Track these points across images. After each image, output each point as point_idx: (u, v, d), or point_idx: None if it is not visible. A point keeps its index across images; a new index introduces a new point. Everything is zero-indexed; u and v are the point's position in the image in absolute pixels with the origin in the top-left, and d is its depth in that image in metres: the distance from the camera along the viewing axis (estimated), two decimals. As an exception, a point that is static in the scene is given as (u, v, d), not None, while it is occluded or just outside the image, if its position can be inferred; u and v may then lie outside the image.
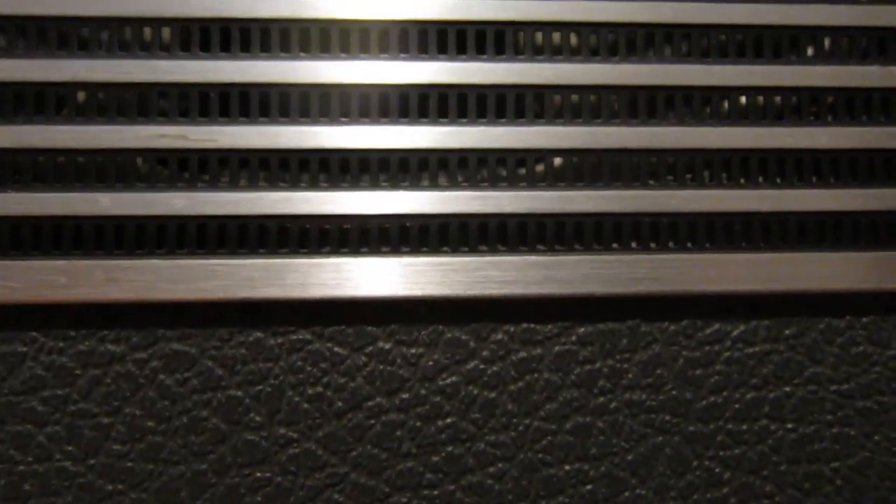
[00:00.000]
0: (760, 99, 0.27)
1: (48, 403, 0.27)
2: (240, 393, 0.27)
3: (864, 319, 0.28)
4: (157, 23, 0.27)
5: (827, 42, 0.28)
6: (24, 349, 0.27)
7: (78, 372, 0.27)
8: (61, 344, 0.27)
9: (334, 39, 0.27)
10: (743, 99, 0.28)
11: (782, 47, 0.28)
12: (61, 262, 0.26)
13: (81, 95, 0.26)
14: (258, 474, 0.27)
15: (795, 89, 0.27)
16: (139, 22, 0.27)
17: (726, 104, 0.28)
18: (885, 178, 0.28)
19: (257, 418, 0.27)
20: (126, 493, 0.27)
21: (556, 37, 0.27)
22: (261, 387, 0.27)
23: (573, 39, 0.27)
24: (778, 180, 0.28)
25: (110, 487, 0.27)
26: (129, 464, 0.27)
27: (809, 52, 0.28)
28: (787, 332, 0.28)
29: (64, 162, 0.26)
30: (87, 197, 0.26)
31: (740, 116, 0.28)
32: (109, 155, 0.26)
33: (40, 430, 0.27)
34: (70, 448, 0.27)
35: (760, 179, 0.28)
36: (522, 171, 0.27)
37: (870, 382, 0.28)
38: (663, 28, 0.27)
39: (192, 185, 0.27)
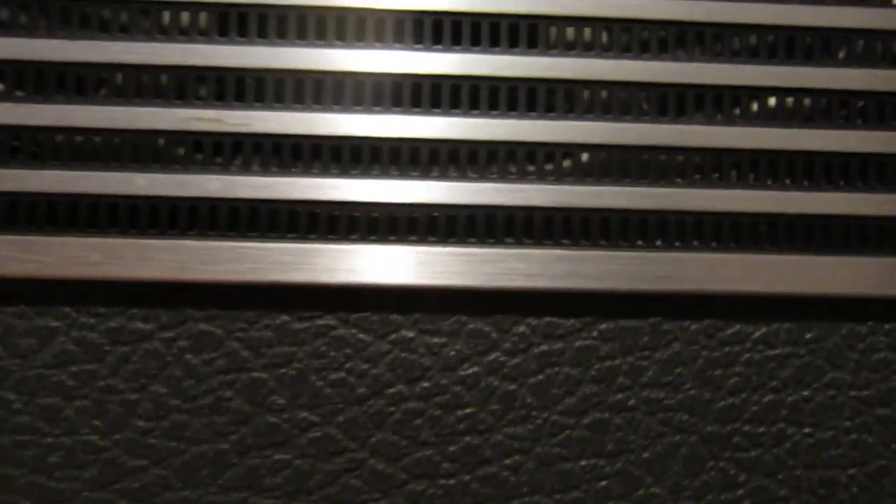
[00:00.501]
0: (790, 100, 0.28)
1: (77, 378, 0.27)
2: (264, 375, 0.28)
3: (887, 326, 0.28)
4: (196, 7, 0.27)
5: (860, 45, 0.28)
6: (57, 324, 0.27)
7: (107, 348, 0.27)
8: (92, 320, 0.27)
9: (369, 28, 0.27)
10: (772, 100, 0.28)
11: (814, 49, 0.28)
12: (95, 240, 0.27)
13: (120, 77, 0.27)
14: (278, 456, 0.28)
15: (826, 91, 0.28)
16: (178, 6, 0.27)
17: (756, 105, 0.28)
18: (914, 185, 0.28)
19: (280, 401, 0.28)
20: (149, 470, 0.27)
21: (588, 32, 0.28)
22: (284, 370, 0.28)
23: (605, 35, 0.28)
24: (805, 183, 0.28)
25: (134, 463, 0.27)
26: (153, 440, 0.27)
27: (841, 54, 0.28)
28: (808, 335, 0.28)
29: (101, 142, 0.27)
30: (122, 177, 0.27)
31: (769, 117, 0.28)
32: (146, 136, 0.27)
33: (69, 404, 0.27)
34: (97, 423, 0.27)
35: (787, 181, 0.28)
36: (550, 165, 0.28)
37: (890, 389, 0.28)
38: (695, 26, 0.27)
39: (225, 168, 0.27)
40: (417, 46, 0.27)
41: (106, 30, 0.27)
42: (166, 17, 0.27)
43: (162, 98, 0.27)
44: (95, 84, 0.27)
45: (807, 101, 0.28)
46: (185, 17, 0.27)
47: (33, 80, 0.27)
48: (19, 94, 0.27)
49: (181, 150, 0.27)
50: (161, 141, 0.27)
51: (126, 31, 0.27)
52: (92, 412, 0.27)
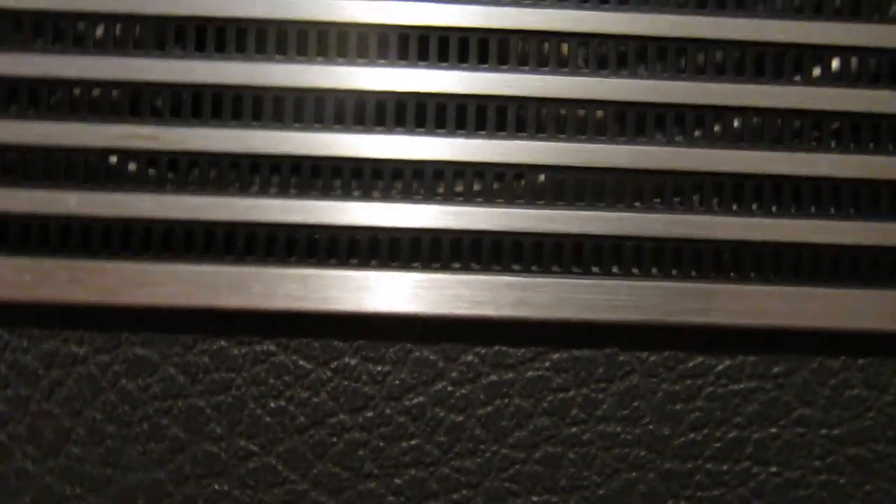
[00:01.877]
0: (758, 121, 0.26)
1: (10, 402, 0.26)
2: (201, 402, 0.27)
3: (861, 361, 0.26)
4: (131, 20, 0.26)
5: (835, 63, 0.26)
6: (-11, 346, 0.26)
7: (41, 372, 0.27)
8: (25, 343, 0.27)
9: (311, 42, 0.26)
10: (739, 120, 0.26)
11: (785, 67, 0.26)
12: (26, 261, 0.26)
13: (55, 93, 0.26)
14: (216, 486, 0.27)
15: (797, 112, 0.26)
16: (113, 18, 0.26)
17: (721, 125, 0.26)
18: (890, 212, 0.26)
19: (217, 429, 0.27)
20: (84, 497, 0.27)
21: (544, 46, 0.26)
22: (223, 397, 0.27)
23: (562, 50, 0.26)
24: (773, 208, 0.26)
25: (68, 490, 0.27)
26: (88, 467, 0.27)
27: (815, 73, 0.26)
28: (775, 369, 0.27)
29: (33, 159, 0.26)
30: (54, 196, 0.26)
31: (735, 139, 0.26)
32: (79, 154, 0.26)
33: (2, 429, 0.26)
34: (30, 448, 0.27)
35: (754, 207, 0.26)
36: (502, 184, 0.26)
37: (864, 428, 0.27)
38: (657, 41, 0.26)
39: (160, 187, 0.26)
40: (360, 62, 0.26)
41: (39, 41, 0.26)
42: (102, 29, 0.26)
43: (96, 114, 0.26)
44: (28, 99, 0.26)
45: (777, 122, 0.26)
46: (118, 29, 0.26)
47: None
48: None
49: (115, 168, 0.26)
50: (94, 158, 0.26)
51: (59, 43, 0.26)
52: (25, 438, 0.27)
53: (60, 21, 0.26)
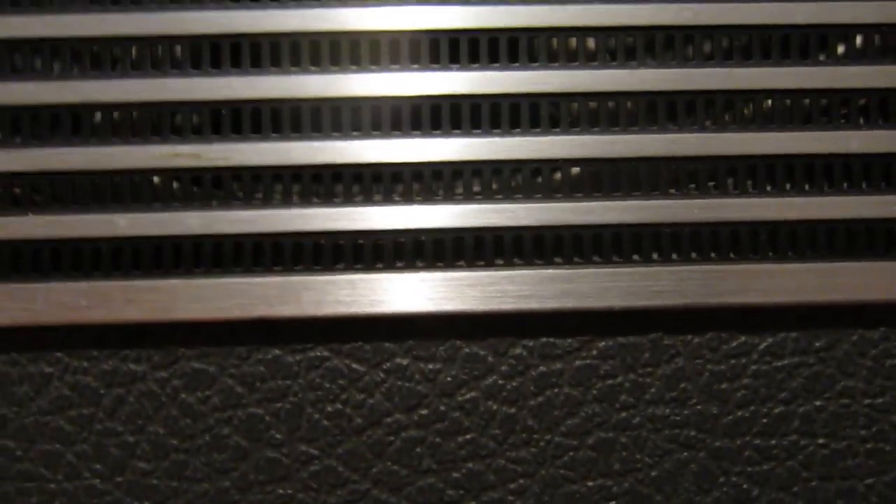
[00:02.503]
0: (787, 102, 0.26)
1: (75, 423, 0.27)
2: (260, 410, 0.27)
3: (900, 330, 0.27)
4: (168, 41, 0.26)
5: (858, 40, 0.26)
6: (50, 370, 0.27)
7: (102, 391, 0.27)
8: (85, 364, 0.27)
9: (345, 52, 0.26)
10: (768, 102, 0.26)
11: (810, 47, 0.26)
12: (81, 284, 0.26)
13: (96, 116, 0.27)
14: (280, 491, 0.27)
15: (824, 91, 0.26)
16: (149, 40, 0.26)
17: (750, 108, 0.26)
18: (921, 183, 0.26)
19: (278, 435, 0.27)
20: (152, 509, 0.27)
21: (572, 42, 0.26)
22: (280, 404, 0.27)
23: (589, 44, 0.26)
24: (806, 187, 0.26)
25: (136, 504, 0.27)
26: (155, 481, 0.27)
27: (840, 51, 0.26)
28: (816, 344, 0.27)
29: (80, 183, 0.26)
30: (103, 218, 0.26)
31: (765, 121, 0.26)
32: (124, 175, 0.26)
33: (69, 449, 0.27)
34: (97, 466, 0.27)
35: (787, 187, 0.26)
36: (539, 180, 0.27)
37: (906, 396, 0.27)
38: (683, 30, 0.26)
39: (206, 203, 0.27)
40: (394, 67, 0.26)
41: (77, 67, 0.27)
42: (138, 51, 0.27)
43: (139, 136, 0.26)
44: (72, 124, 0.26)
45: (805, 102, 0.26)
46: (158, 50, 0.26)
47: (7, 124, 0.26)
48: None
49: (161, 188, 0.27)
50: (140, 179, 0.26)
51: (98, 68, 0.26)
52: (92, 456, 0.27)
53: (97, 46, 0.26)
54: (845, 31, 0.26)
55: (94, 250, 0.26)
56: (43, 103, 0.26)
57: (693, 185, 0.27)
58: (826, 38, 0.26)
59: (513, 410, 0.27)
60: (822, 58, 0.26)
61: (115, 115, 0.26)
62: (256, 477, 0.27)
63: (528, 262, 0.26)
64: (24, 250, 0.26)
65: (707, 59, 0.26)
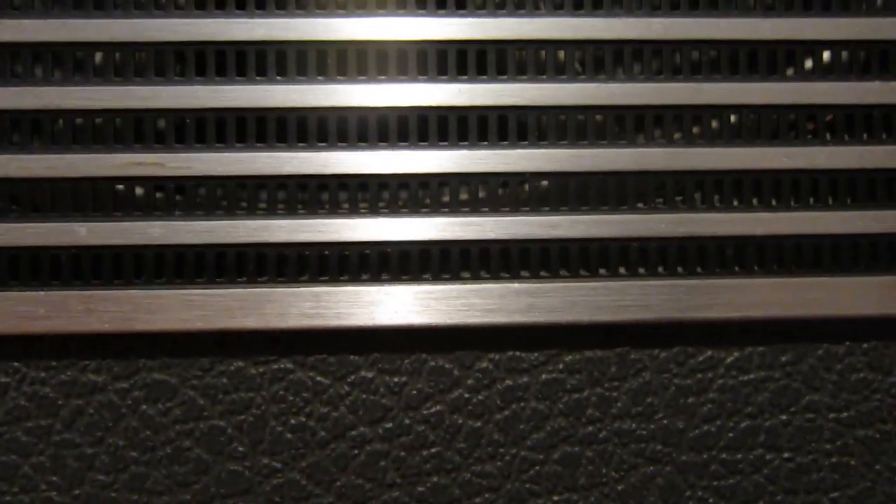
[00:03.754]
0: (754, 117, 0.26)
1: (32, 434, 0.27)
2: (222, 423, 0.27)
3: (865, 345, 0.27)
4: (132, 48, 0.26)
5: (825, 56, 0.26)
6: (7, 380, 0.27)
7: (60, 402, 0.27)
8: (43, 374, 0.27)
9: (311, 62, 0.26)
10: (736, 117, 0.26)
11: (778, 63, 0.26)
12: (39, 293, 0.26)
13: (58, 123, 0.26)
14: (241, 504, 0.27)
15: (792, 106, 0.26)
16: (113, 47, 0.26)
17: (718, 123, 0.26)
18: (887, 200, 0.26)
19: (240, 448, 0.27)
20: (111, 523, 0.27)
21: (541, 55, 0.26)
22: (243, 416, 0.27)
23: (559, 57, 0.26)
24: (773, 202, 0.26)
25: (95, 517, 0.27)
26: (114, 494, 0.27)
27: (807, 66, 0.26)
28: (783, 358, 0.27)
29: (40, 191, 0.26)
30: (64, 227, 0.26)
31: (733, 136, 0.26)
32: (86, 183, 0.26)
33: (25, 461, 0.27)
34: (55, 478, 0.27)
35: (754, 202, 0.26)
36: (506, 193, 0.26)
37: (870, 410, 0.27)
38: (652, 45, 0.26)
39: (168, 213, 0.26)
40: (361, 78, 0.26)
41: (38, 72, 0.26)
42: (101, 57, 0.26)
43: (100, 143, 0.26)
44: (31, 131, 0.26)
45: (773, 117, 0.26)
46: (118, 57, 0.26)
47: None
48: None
49: (123, 197, 0.26)
50: (101, 188, 0.26)
51: (59, 74, 0.26)
52: (49, 468, 0.27)
53: (59, 51, 0.26)
54: (812, 48, 0.26)
55: (53, 259, 0.26)
56: (3, 108, 0.26)
57: (660, 200, 0.26)
58: (793, 54, 0.26)
59: (478, 424, 0.27)
60: (789, 73, 0.27)
61: (78, 121, 0.26)
62: (218, 490, 0.27)
63: (495, 276, 0.26)
64: (-19, 259, 0.26)
65: (675, 74, 0.26)
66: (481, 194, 0.26)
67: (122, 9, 0.26)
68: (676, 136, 0.26)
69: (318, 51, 0.26)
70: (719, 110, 0.26)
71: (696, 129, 0.26)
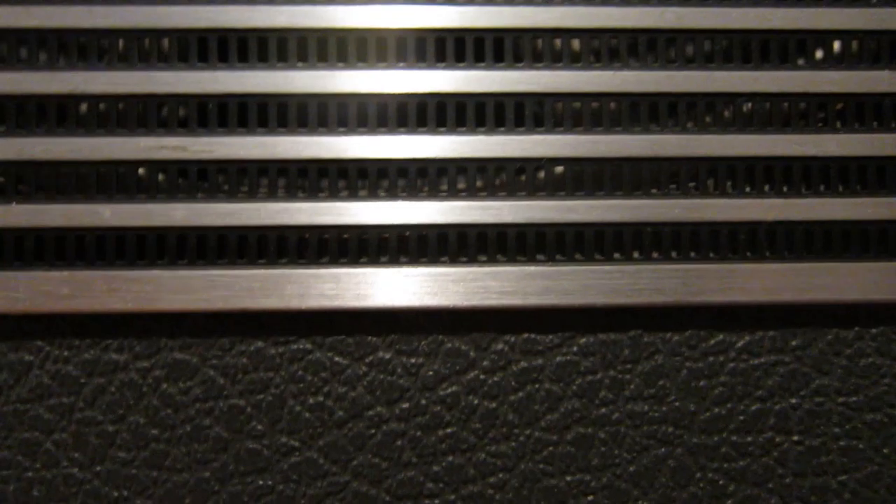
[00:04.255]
0: (767, 105, 0.27)
1: (54, 411, 0.27)
2: (241, 402, 0.27)
3: (874, 330, 0.28)
4: (156, 34, 0.27)
5: (836, 46, 0.27)
6: (31, 358, 0.27)
7: (83, 380, 0.27)
8: (66, 353, 0.27)
9: (331, 49, 0.27)
10: (748, 105, 0.27)
11: (789, 52, 0.27)
12: (64, 273, 0.26)
13: (82, 107, 0.27)
14: (260, 482, 0.27)
15: (803, 95, 0.27)
16: (137, 33, 0.27)
17: (730, 111, 0.27)
18: (895, 187, 0.27)
19: (259, 427, 0.27)
20: (131, 500, 0.27)
21: (557, 43, 0.27)
22: (262, 396, 0.27)
23: (574, 45, 0.27)
24: (784, 189, 0.27)
25: (116, 494, 0.27)
26: (134, 471, 0.27)
27: (818, 56, 0.27)
28: (793, 342, 0.28)
29: (65, 173, 0.27)
30: (88, 208, 0.26)
31: (745, 123, 0.27)
32: (110, 166, 0.27)
33: (47, 438, 0.27)
34: (76, 455, 0.27)
35: (766, 188, 0.27)
36: (523, 178, 0.27)
37: (879, 394, 0.28)
38: (665, 34, 0.27)
39: (191, 196, 0.27)
40: (381, 65, 0.27)
41: (64, 58, 0.27)
42: (126, 43, 0.27)
43: (124, 127, 0.27)
44: (57, 115, 0.27)
45: (784, 105, 0.27)
46: (146, 43, 0.27)
47: (-6, 113, 0.26)
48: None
49: (146, 179, 0.27)
50: (125, 170, 0.27)
51: (84, 60, 0.27)
52: (71, 445, 0.27)
53: (84, 37, 0.27)
54: (823, 37, 0.27)
55: (77, 240, 0.26)
56: (29, 93, 0.26)
57: (674, 186, 0.27)
58: (805, 44, 0.27)
59: (493, 405, 0.28)
60: (800, 62, 0.27)
61: (102, 106, 0.27)
62: (237, 468, 0.27)
63: (511, 259, 0.27)
64: (7, 238, 0.26)
65: (689, 62, 0.27)
66: (498, 179, 0.27)
67: (147, -4, 0.27)
68: (689, 123, 0.27)
69: (339, 38, 0.27)
70: (731, 98, 0.27)
71: (708, 117, 0.27)
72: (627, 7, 0.27)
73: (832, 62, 0.27)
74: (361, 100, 0.27)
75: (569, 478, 0.28)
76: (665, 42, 0.27)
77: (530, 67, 0.27)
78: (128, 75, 0.26)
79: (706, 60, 0.27)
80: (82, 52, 0.27)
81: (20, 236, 0.26)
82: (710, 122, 0.27)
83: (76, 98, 0.26)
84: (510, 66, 0.27)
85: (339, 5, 0.26)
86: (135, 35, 0.27)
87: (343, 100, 0.27)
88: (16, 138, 0.26)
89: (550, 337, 0.28)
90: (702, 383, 0.28)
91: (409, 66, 0.27)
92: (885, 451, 0.28)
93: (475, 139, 0.27)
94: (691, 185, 0.27)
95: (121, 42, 0.27)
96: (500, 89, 0.26)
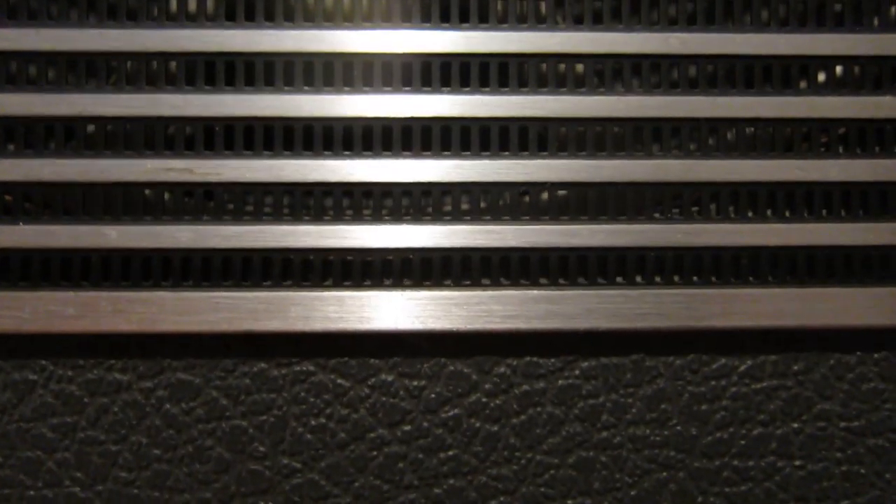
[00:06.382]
0: (769, 130, 0.27)
1: (57, 430, 0.27)
2: (244, 423, 0.28)
3: (876, 355, 0.28)
4: (163, 57, 0.27)
5: (839, 71, 0.27)
6: (35, 377, 0.27)
7: (86, 400, 0.27)
8: (70, 373, 0.27)
9: (337, 73, 0.27)
10: (751, 130, 0.27)
11: (792, 77, 0.27)
12: (69, 294, 0.26)
13: (90, 128, 0.27)
14: (262, 503, 0.27)
15: (805, 120, 0.27)
16: (145, 56, 0.27)
17: (733, 135, 0.27)
18: (898, 212, 0.27)
19: (261, 448, 0.28)
20: (133, 520, 0.27)
21: (561, 68, 0.27)
22: (265, 417, 0.28)
23: (579, 70, 0.27)
24: (787, 214, 0.27)
25: (118, 514, 0.27)
26: (136, 491, 0.27)
27: (820, 81, 0.27)
28: (795, 367, 0.28)
29: (72, 194, 0.27)
30: (94, 230, 0.27)
31: (748, 148, 0.27)
32: (116, 188, 0.27)
33: (50, 457, 0.27)
34: (79, 474, 0.27)
35: (769, 213, 0.27)
36: (526, 202, 0.27)
37: (881, 419, 0.28)
38: (669, 59, 0.27)
39: (196, 218, 0.27)
40: (386, 89, 0.27)
41: (73, 80, 0.27)
42: (134, 66, 0.27)
43: (131, 149, 0.27)
44: (65, 136, 0.27)
45: (787, 130, 0.27)
46: (153, 66, 0.27)
47: (1, 134, 0.27)
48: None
49: (153, 201, 0.27)
50: (131, 192, 0.27)
51: (94, 81, 0.27)
52: (73, 464, 0.27)
53: (93, 60, 0.27)
54: (825, 62, 0.27)
55: (83, 260, 0.27)
56: (37, 114, 0.27)
57: (677, 210, 0.27)
58: (807, 69, 0.27)
59: (495, 428, 0.28)
60: (803, 87, 0.27)
61: (109, 127, 0.27)
62: (238, 489, 0.27)
63: (515, 283, 0.27)
64: (14, 258, 0.27)
65: (692, 87, 0.27)
66: (502, 203, 0.27)
67: (155, 20, 0.27)
68: (692, 147, 0.27)
69: (345, 62, 0.27)
70: (734, 123, 0.27)
71: (711, 141, 0.27)
72: (632, 32, 0.27)
73: (835, 87, 0.27)
74: (367, 123, 0.27)
75: (570, 501, 0.28)
76: (669, 66, 0.27)
77: (535, 92, 0.27)
78: (135, 98, 0.27)
79: (709, 85, 0.27)
80: (90, 73, 0.27)
81: (26, 256, 0.27)
82: (713, 147, 0.27)
83: (84, 119, 0.27)
84: (515, 91, 0.27)
85: (345, 30, 0.27)
86: (143, 58, 0.27)
87: (348, 123, 0.27)
88: (23, 159, 0.27)
89: (553, 360, 0.28)
90: (704, 407, 0.28)
91: (414, 91, 0.27)
92: (887, 476, 0.28)
93: (479, 163, 0.27)
94: (694, 209, 0.27)
95: (128, 64, 0.27)
96: (504, 114, 0.27)
